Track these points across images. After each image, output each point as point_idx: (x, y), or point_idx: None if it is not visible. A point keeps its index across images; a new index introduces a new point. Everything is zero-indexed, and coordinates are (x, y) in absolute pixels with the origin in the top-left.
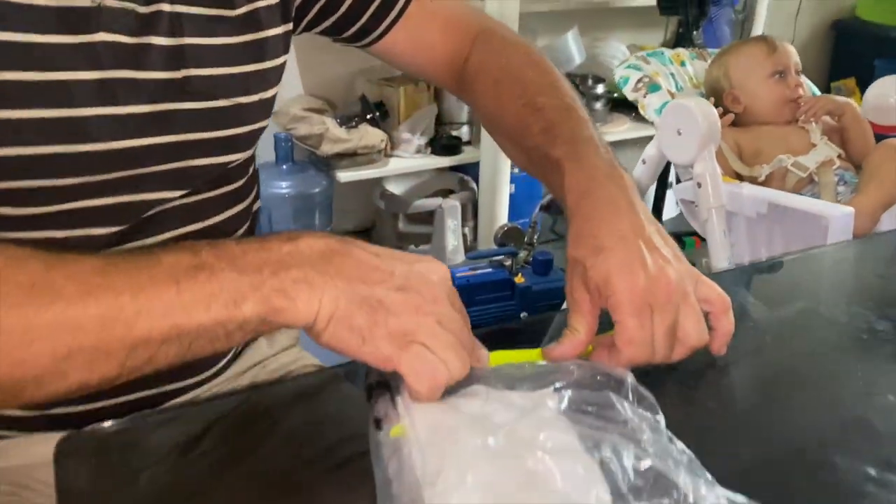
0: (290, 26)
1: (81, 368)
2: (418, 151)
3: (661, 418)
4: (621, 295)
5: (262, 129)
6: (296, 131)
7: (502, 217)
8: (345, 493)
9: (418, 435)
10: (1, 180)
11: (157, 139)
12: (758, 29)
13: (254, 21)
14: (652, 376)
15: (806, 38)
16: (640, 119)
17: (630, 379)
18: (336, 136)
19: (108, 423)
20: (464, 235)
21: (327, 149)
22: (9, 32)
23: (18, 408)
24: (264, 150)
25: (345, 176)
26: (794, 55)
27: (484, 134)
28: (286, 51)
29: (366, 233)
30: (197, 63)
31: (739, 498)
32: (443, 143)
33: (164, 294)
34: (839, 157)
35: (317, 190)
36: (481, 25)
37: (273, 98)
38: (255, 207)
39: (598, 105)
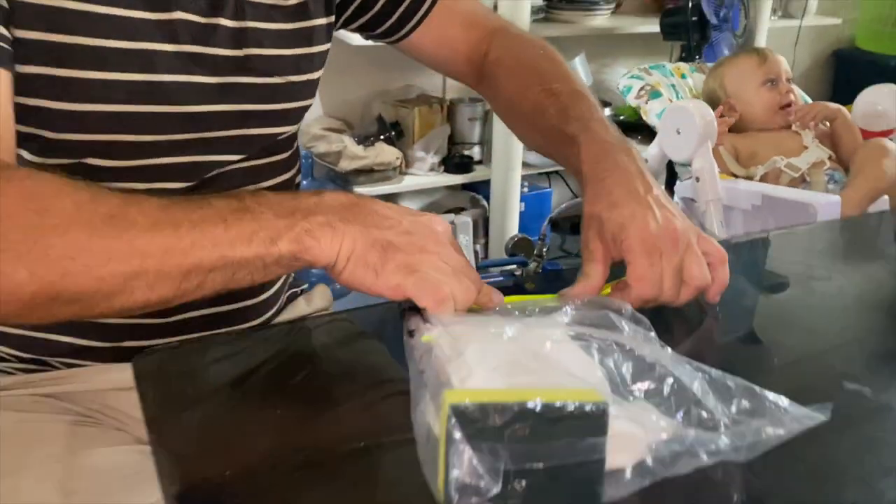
0: (332, 18)
1: (145, 288)
2: (431, 169)
3: (653, 334)
4: (634, 239)
5: (307, 106)
6: (316, 149)
7: (512, 233)
8: (379, 419)
9: (444, 337)
10: (93, 133)
11: (222, 107)
12: None
13: (303, 11)
14: None
15: (807, 66)
16: (646, 141)
17: (628, 306)
18: (354, 153)
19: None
20: (475, 251)
21: (345, 165)
22: (103, 6)
23: (103, 330)
24: None
25: (361, 191)
26: (783, 64)
27: (495, 153)
28: (329, 40)
29: None
30: (257, 44)
31: (715, 372)
32: (455, 161)
33: (214, 230)
34: (829, 158)
35: None
36: (497, 23)
37: (318, 80)
38: (297, 180)
39: None
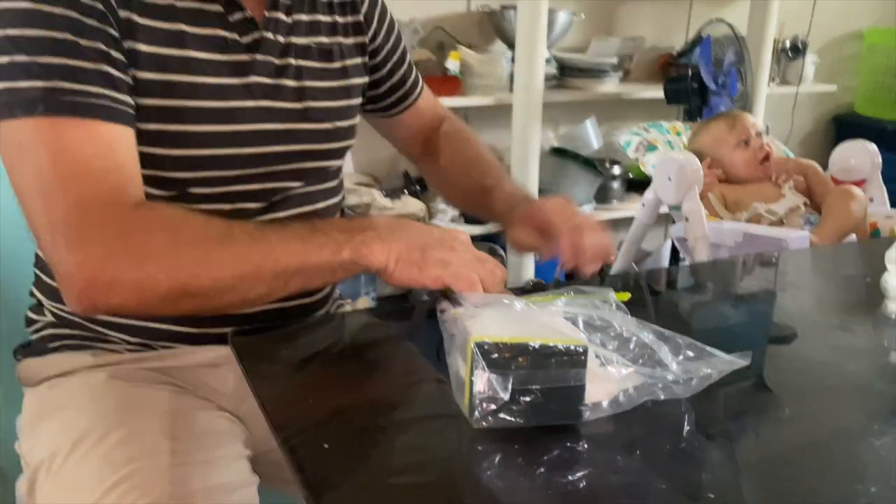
0: (366, 79)
1: (245, 287)
2: (452, 220)
3: (627, 314)
4: (551, 207)
5: (350, 146)
6: (347, 201)
7: (527, 279)
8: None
9: (468, 310)
10: (194, 171)
11: (287, 147)
12: (759, 117)
13: (345, 72)
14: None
15: (807, 131)
16: None
17: (612, 295)
18: (382, 205)
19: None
20: None
21: (374, 215)
22: (202, 77)
23: (197, 320)
24: None
25: None
26: (753, 123)
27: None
28: (361, 94)
29: (404, 296)
30: (313, 98)
31: (668, 333)
32: None
33: (294, 243)
34: (805, 204)
35: None
36: (444, 113)
37: (356, 125)
38: (342, 203)
39: (615, 185)
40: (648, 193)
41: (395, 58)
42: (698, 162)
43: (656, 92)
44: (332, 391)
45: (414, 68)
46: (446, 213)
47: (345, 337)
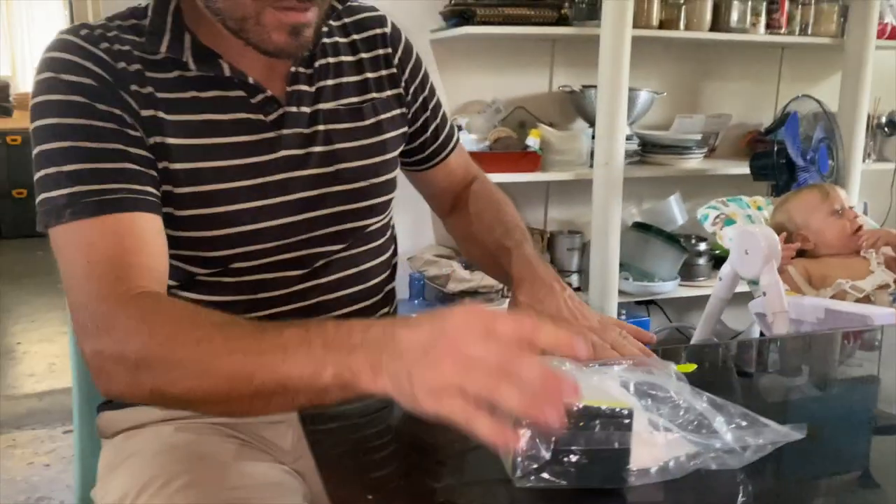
0: (405, 129)
1: (221, 403)
2: None
3: (683, 383)
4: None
5: (391, 200)
6: (427, 272)
7: None
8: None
9: None
10: (230, 249)
11: (321, 212)
12: (852, 194)
13: (378, 127)
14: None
15: None
16: None
17: (672, 366)
18: (461, 276)
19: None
20: None
21: (453, 287)
22: (229, 160)
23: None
24: (400, 289)
25: None
26: (845, 196)
27: (592, 280)
28: (402, 143)
29: None
30: (343, 160)
31: (720, 401)
32: None
33: (274, 359)
34: (894, 282)
35: None
36: (476, 172)
37: (395, 177)
38: (393, 261)
39: (701, 261)
40: (726, 267)
41: (427, 112)
42: (776, 235)
43: (743, 168)
44: (386, 453)
45: (448, 123)
46: None
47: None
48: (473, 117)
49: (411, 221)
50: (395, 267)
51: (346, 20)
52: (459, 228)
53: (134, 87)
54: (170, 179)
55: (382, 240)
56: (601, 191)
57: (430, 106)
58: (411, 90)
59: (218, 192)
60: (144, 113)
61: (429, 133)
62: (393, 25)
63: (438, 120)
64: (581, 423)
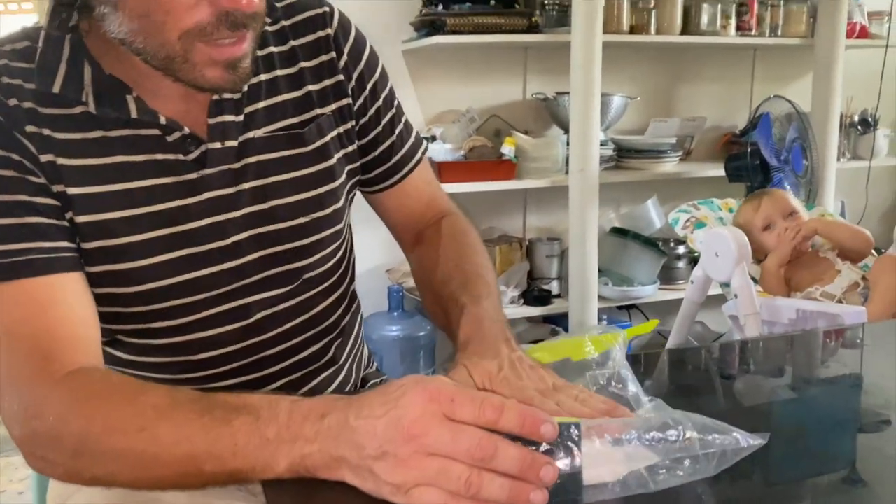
0: (354, 147)
1: (167, 488)
2: (512, 302)
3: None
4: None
5: (338, 232)
6: (406, 284)
7: None
8: None
9: None
10: (150, 304)
11: (257, 255)
12: (828, 194)
13: (324, 152)
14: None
15: (887, 206)
16: None
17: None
18: None
19: None
20: None
21: None
22: (143, 207)
23: None
24: (379, 300)
25: None
26: (779, 202)
27: (572, 287)
28: (350, 162)
29: None
30: (280, 194)
31: (687, 414)
32: (534, 295)
33: (224, 452)
34: (863, 278)
35: (422, 334)
36: (447, 210)
37: (343, 206)
38: (351, 288)
39: (681, 264)
40: (697, 270)
41: (380, 126)
42: (745, 237)
43: (719, 170)
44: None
45: (408, 144)
46: (505, 296)
47: None
48: (448, 127)
49: (389, 232)
50: (354, 294)
51: (285, 23)
52: (418, 272)
53: (30, 128)
54: (75, 233)
55: (335, 277)
56: (578, 197)
57: (384, 120)
58: (360, 99)
59: (131, 245)
60: (43, 158)
61: (379, 151)
62: (340, 22)
63: (394, 137)
64: (530, 443)
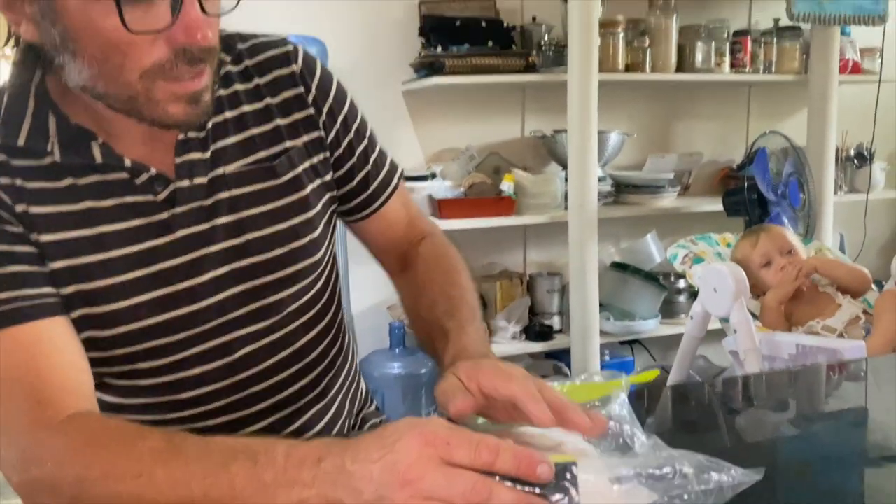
0: (327, 178)
1: None
2: (514, 338)
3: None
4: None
5: (317, 263)
6: (407, 320)
7: None
8: None
9: None
10: (131, 346)
11: (234, 290)
12: (826, 226)
13: (297, 183)
14: None
15: (886, 239)
16: None
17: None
18: None
19: None
20: None
21: None
22: (117, 250)
23: None
24: (380, 337)
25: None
26: (777, 239)
27: (573, 322)
28: (328, 191)
29: None
30: (254, 228)
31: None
32: (536, 330)
33: (221, 497)
34: (864, 312)
35: (423, 371)
36: (430, 229)
37: (320, 235)
38: (338, 318)
39: (682, 298)
40: (696, 306)
41: (354, 157)
42: (743, 272)
43: (717, 205)
44: None
45: (384, 169)
46: (507, 331)
47: None
48: (448, 164)
49: None
50: (341, 325)
51: (248, 62)
52: (405, 298)
53: (2, 180)
54: (53, 280)
55: (317, 307)
56: (577, 232)
57: (358, 150)
58: (332, 132)
59: (108, 288)
60: (17, 208)
61: (356, 182)
62: (305, 60)
63: (369, 166)
64: (524, 485)
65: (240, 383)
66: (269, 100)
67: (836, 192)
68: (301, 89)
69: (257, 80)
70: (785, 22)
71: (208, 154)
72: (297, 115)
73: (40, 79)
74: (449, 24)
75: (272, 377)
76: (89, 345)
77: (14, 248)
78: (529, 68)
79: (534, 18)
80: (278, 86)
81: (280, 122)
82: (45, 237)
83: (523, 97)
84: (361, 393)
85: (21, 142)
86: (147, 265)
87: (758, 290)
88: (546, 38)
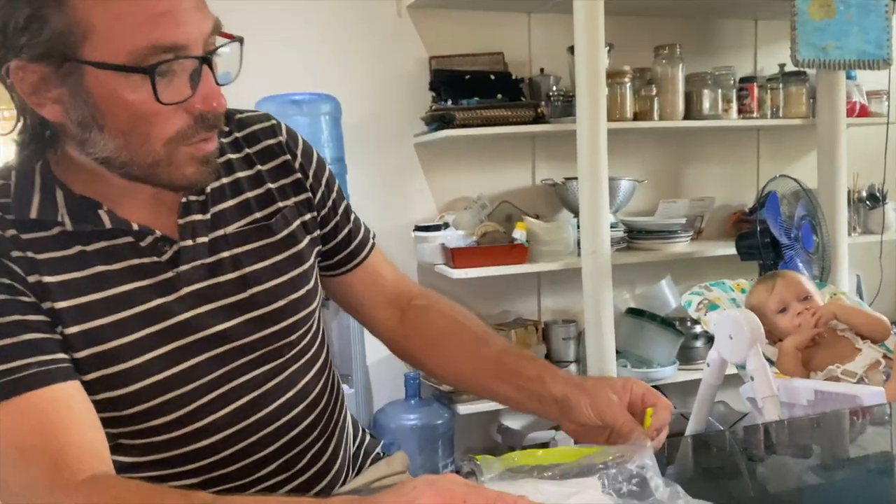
0: (315, 234)
1: None
2: None
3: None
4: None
5: (313, 311)
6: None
7: None
8: None
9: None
10: (143, 403)
11: (239, 342)
12: (841, 268)
13: (293, 239)
14: None
15: None
16: None
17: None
18: None
19: None
20: None
21: (448, 386)
22: (126, 310)
23: None
24: (395, 389)
25: (464, 409)
26: (793, 285)
27: (590, 370)
28: (315, 246)
29: None
30: (257, 282)
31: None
32: None
33: None
34: (884, 356)
35: (440, 422)
36: (417, 292)
37: (315, 286)
38: (329, 358)
39: (699, 343)
40: (712, 353)
41: (338, 216)
42: (757, 319)
43: (731, 249)
44: None
45: (363, 228)
46: None
47: None
48: (460, 214)
49: None
50: (328, 361)
51: (238, 135)
52: (431, 345)
53: (15, 254)
54: (67, 345)
55: (313, 349)
56: (591, 279)
57: (340, 210)
58: (318, 193)
59: (120, 348)
60: (30, 279)
61: (340, 237)
62: (288, 132)
63: (351, 224)
64: None
65: (248, 427)
66: (259, 167)
67: (850, 234)
68: (288, 156)
69: (247, 150)
70: (790, 67)
71: (209, 216)
72: (286, 180)
73: (42, 156)
74: (458, 77)
75: (279, 418)
76: (105, 405)
77: (27, 317)
78: (539, 119)
79: (542, 70)
80: (267, 154)
81: (271, 185)
82: (60, 304)
83: (533, 146)
84: (349, 423)
85: (33, 214)
86: (156, 322)
87: (773, 337)
88: (554, 88)
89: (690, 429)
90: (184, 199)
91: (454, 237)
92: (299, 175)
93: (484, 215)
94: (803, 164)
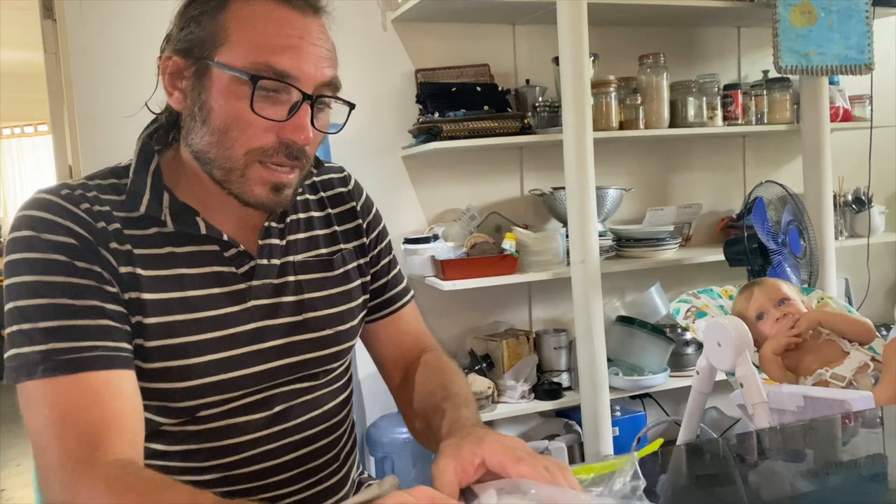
0: (367, 278)
1: None
2: (522, 397)
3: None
4: (494, 451)
5: (352, 345)
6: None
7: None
8: None
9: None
10: (196, 399)
11: (288, 360)
12: (829, 272)
13: (346, 276)
14: None
15: (891, 283)
16: None
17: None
18: None
19: None
20: None
21: None
22: (201, 312)
23: None
24: (388, 402)
25: None
26: (768, 291)
27: (582, 378)
28: (364, 292)
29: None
30: (312, 309)
31: None
32: (544, 388)
33: None
34: (873, 359)
35: None
36: (431, 344)
37: (359, 324)
38: (349, 388)
39: (689, 350)
40: (701, 361)
41: (378, 266)
42: (745, 325)
43: (719, 255)
44: None
45: (401, 284)
46: (515, 391)
47: None
48: (450, 225)
49: None
50: (351, 395)
51: (315, 179)
52: (403, 397)
53: (113, 245)
54: (142, 333)
55: (344, 380)
56: (580, 288)
57: (383, 261)
58: (370, 241)
59: (189, 344)
60: (123, 270)
61: (377, 286)
62: (355, 183)
63: (389, 277)
64: None
65: (274, 434)
66: (329, 210)
67: (837, 238)
68: (354, 204)
69: (322, 193)
70: (774, 74)
71: (284, 242)
72: (349, 225)
73: (156, 160)
74: (445, 90)
75: (303, 431)
76: (158, 395)
77: (107, 305)
78: (525, 129)
79: (527, 81)
80: (338, 200)
81: (337, 228)
82: (146, 295)
83: (521, 157)
84: (356, 452)
85: (142, 210)
86: (222, 328)
87: (759, 344)
88: (540, 99)
89: (682, 438)
90: (266, 224)
91: (444, 249)
92: (360, 221)
93: (473, 227)
94: (789, 169)
